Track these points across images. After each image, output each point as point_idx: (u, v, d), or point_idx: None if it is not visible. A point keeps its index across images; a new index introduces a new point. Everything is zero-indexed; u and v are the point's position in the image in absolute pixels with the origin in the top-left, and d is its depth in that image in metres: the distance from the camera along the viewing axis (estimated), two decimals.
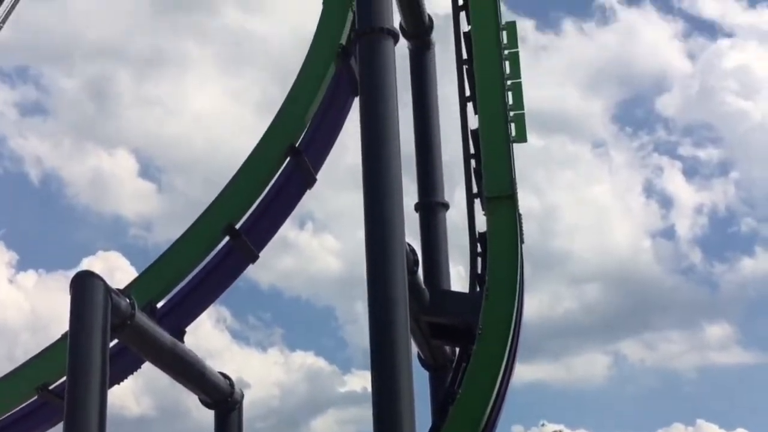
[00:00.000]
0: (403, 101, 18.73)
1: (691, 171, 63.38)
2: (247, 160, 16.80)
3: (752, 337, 58.18)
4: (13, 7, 26.39)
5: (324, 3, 18.02)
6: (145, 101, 61.08)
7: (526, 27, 55.06)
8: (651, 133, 62.51)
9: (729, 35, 64.33)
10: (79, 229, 61.64)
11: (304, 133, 17.02)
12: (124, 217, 63.71)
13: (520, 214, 17.39)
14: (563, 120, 61.24)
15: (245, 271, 17.01)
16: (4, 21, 26.25)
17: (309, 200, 17.71)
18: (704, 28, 66.30)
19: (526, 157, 19.58)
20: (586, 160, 62.92)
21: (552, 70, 60.92)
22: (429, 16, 22.36)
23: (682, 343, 61.07)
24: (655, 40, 63.76)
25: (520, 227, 17.32)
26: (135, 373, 16.47)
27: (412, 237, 20.06)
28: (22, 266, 60.72)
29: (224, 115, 60.75)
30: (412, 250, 16.42)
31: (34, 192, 60.04)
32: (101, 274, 13.35)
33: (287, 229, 17.47)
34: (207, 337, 52.31)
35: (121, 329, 13.69)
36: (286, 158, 16.73)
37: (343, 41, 17.47)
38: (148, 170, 65.29)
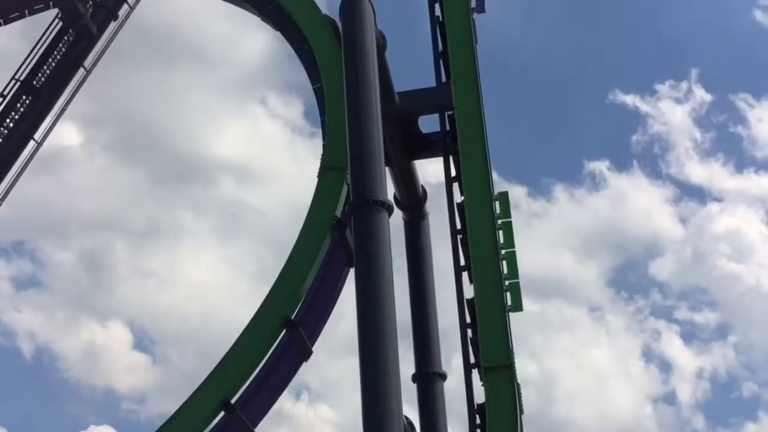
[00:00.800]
0: (399, 266, 18.87)
1: (689, 335, 62.83)
2: (243, 333, 16.74)
3: None
4: (12, 186, 26.74)
5: (319, 176, 18.39)
6: (140, 272, 61.21)
7: (518, 194, 55.98)
8: (646, 297, 62.47)
9: (718, 200, 65.16)
10: (71, 403, 60.55)
11: (299, 306, 17.05)
12: (117, 391, 62.66)
13: (518, 384, 17.20)
14: (559, 285, 61.33)
15: None
16: (3, 198, 26.54)
17: (305, 370, 17.59)
18: (693, 193, 67.18)
19: (523, 323, 19.56)
20: (583, 324, 62.69)
21: (545, 235, 61.46)
22: (423, 187, 22.84)
23: None
24: (645, 205, 64.64)
25: (519, 397, 17.10)
26: None
27: (410, 408, 19.83)
28: None
29: (220, 286, 60.80)
30: (410, 423, 16.17)
31: (27, 367, 59.35)
32: None
33: (283, 400, 17.25)
34: None
35: None
36: (281, 331, 16.70)
37: (338, 213, 17.74)
38: (142, 342, 64.65)
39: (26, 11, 26.13)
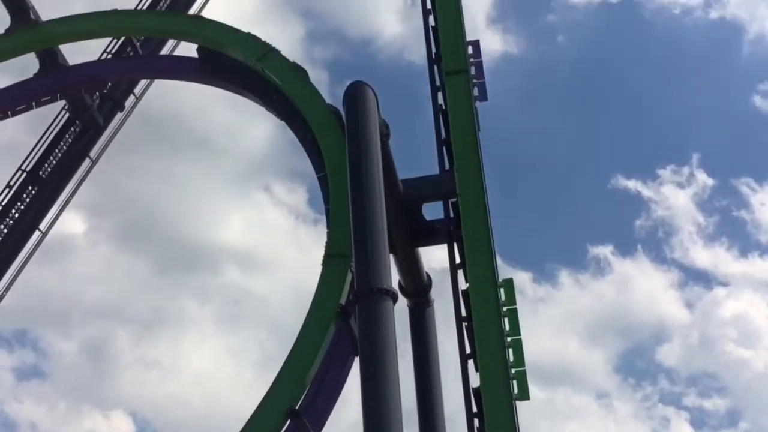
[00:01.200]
0: (403, 353, 18.68)
1: (699, 422, 62.00)
2: (247, 423, 16.51)
3: None
4: (16, 276, 26.75)
5: (323, 263, 18.37)
6: (144, 361, 60.88)
7: (523, 279, 55.95)
8: (654, 383, 61.87)
9: (724, 284, 64.95)
10: None
11: (304, 395, 16.87)
12: None
13: None
14: (565, 371, 60.93)
15: None
16: (7, 290, 26.52)
17: None
18: (699, 278, 66.95)
19: (530, 410, 19.31)
20: (591, 411, 62.00)
21: (551, 321, 61.26)
22: (427, 274, 22.80)
23: None
24: (651, 290, 64.48)
25: None
26: None
27: None
28: None
29: (223, 375, 60.35)
30: None
31: None
32: None
33: None
34: None
35: None
36: (286, 421, 16.47)
37: (343, 301, 17.68)
38: None
39: (33, 103, 26.39)
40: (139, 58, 28.27)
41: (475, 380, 18.32)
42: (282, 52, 22.65)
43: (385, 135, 19.22)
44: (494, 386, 17.22)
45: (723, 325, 62.28)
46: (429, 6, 23.15)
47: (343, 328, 17.44)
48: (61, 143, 28.46)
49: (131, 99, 29.72)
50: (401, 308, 22.20)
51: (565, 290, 64.58)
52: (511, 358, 17.57)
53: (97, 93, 29.04)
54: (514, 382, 17.31)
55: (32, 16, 26.66)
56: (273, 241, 64.44)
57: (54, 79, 26.68)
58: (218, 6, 31.12)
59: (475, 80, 21.31)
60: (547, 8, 70.20)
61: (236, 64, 23.40)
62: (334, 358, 17.32)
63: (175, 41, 27.88)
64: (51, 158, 28.14)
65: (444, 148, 20.93)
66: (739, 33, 69.27)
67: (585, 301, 64.94)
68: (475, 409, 18.28)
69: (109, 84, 28.93)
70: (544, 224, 63.50)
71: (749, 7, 69.35)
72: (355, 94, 18.58)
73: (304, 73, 22.08)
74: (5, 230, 27.12)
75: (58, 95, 27.19)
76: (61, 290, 61.31)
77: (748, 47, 68.94)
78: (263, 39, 23.08)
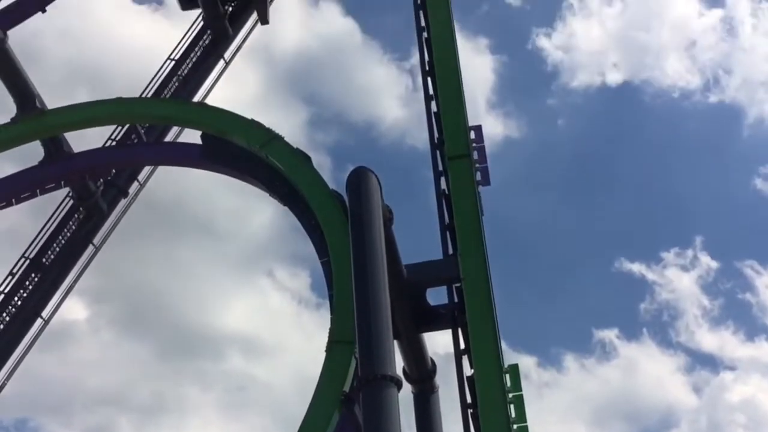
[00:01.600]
0: None
1: None
2: None
3: None
4: (18, 363, 26.56)
5: (327, 350, 18.23)
6: None
7: (528, 363, 55.48)
8: None
9: (731, 368, 64.35)
10: None
11: None
12: None
13: None
14: None
15: None
16: (8, 378, 26.29)
17: None
18: (705, 362, 66.28)
19: None
20: None
21: (557, 406, 60.53)
22: (432, 359, 22.59)
23: None
24: (658, 374, 63.86)
25: None
26: None
27: None
28: None
29: None
30: None
31: None
32: None
33: None
34: None
35: None
36: None
37: (347, 388, 17.50)
38: None
39: (38, 191, 26.48)
40: (142, 146, 28.44)
41: None
42: (285, 138, 22.80)
43: (388, 220, 19.23)
44: None
45: (731, 410, 61.62)
46: (431, 92, 23.37)
47: (347, 415, 17.22)
48: (65, 230, 28.51)
49: (135, 185, 29.87)
50: (406, 394, 21.98)
51: (570, 375, 64.01)
52: None
53: (101, 180, 29.18)
54: None
55: (38, 104, 26.99)
56: (276, 326, 64.21)
57: (59, 167, 26.79)
58: (222, 92, 31.50)
59: (477, 165, 21.39)
60: (547, 92, 71.01)
61: (240, 150, 23.53)
62: None
63: (179, 128, 28.10)
64: (54, 245, 28.17)
65: (447, 233, 20.90)
66: (738, 117, 69.86)
67: (591, 385, 64.31)
68: None
69: (113, 171, 29.08)
70: (549, 308, 63.18)
71: (748, 92, 70.05)
72: (358, 179, 18.65)
73: (307, 158, 22.21)
74: (7, 318, 27.01)
75: (63, 182, 27.31)
76: (63, 377, 60.80)
77: (748, 131, 69.44)
78: (266, 125, 23.27)
